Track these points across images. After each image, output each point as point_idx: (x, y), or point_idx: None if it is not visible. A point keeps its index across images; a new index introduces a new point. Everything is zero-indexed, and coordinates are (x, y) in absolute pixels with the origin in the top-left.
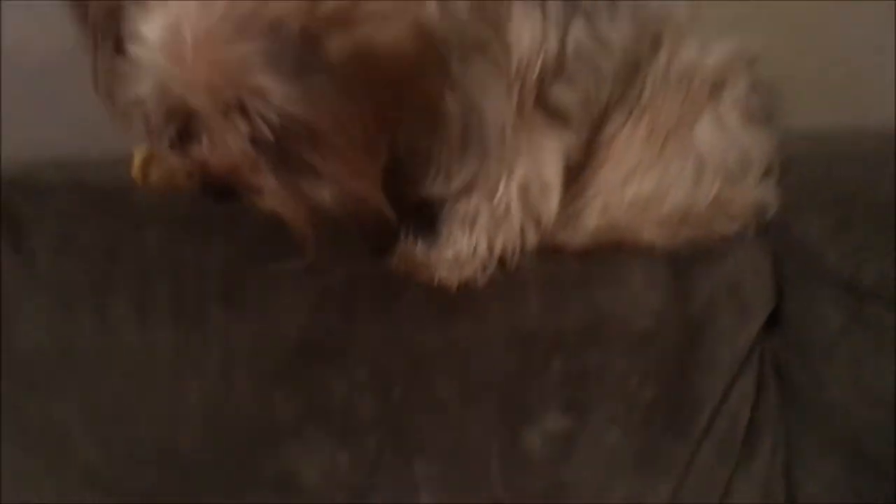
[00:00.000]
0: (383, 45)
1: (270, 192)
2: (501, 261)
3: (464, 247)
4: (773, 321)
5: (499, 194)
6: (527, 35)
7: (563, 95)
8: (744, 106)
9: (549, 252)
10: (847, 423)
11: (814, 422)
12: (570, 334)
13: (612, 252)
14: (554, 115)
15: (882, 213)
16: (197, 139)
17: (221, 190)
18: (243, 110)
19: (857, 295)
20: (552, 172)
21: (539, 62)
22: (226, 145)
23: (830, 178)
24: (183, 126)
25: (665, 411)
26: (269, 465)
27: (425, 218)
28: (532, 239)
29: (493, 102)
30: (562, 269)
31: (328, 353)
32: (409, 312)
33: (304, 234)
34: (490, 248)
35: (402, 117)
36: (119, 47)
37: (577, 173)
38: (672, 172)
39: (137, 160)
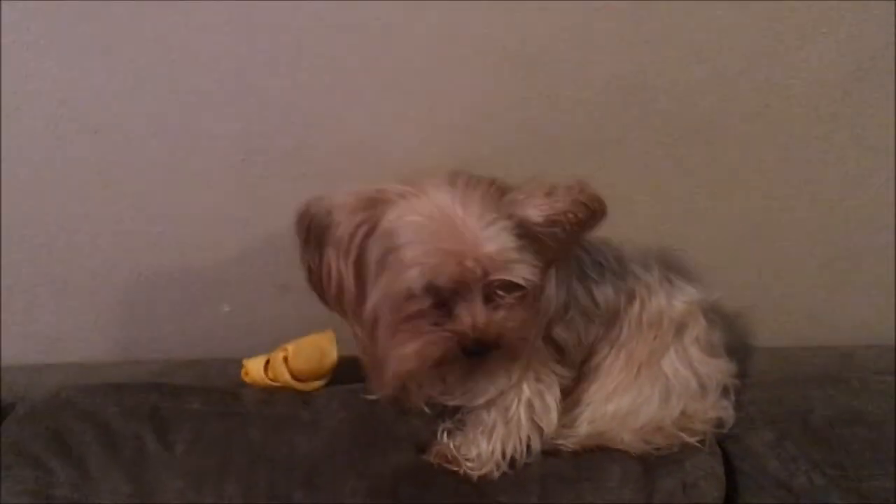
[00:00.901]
0: None
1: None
2: (512, 461)
3: (484, 450)
4: None
5: (511, 412)
6: (548, 288)
7: (563, 334)
8: (703, 342)
9: (549, 452)
10: None
11: None
12: None
13: (597, 453)
14: (555, 348)
15: (812, 430)
16: (452, 313)
17: (479, 349)
18: (488, 287)
19: (793, 495)
20: (552, 395)
21: (551, 311)
22: (481, 314)
23: (775, 399)
24: (443, 304)
25: None
26: None
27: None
28: (536, 446)
29: None
30: (557, 465)
31: None
32: (439, 496)
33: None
34: (503, 453)
35: None
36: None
37: (570, 393)
38: (645, 393)
39: (251, 367)
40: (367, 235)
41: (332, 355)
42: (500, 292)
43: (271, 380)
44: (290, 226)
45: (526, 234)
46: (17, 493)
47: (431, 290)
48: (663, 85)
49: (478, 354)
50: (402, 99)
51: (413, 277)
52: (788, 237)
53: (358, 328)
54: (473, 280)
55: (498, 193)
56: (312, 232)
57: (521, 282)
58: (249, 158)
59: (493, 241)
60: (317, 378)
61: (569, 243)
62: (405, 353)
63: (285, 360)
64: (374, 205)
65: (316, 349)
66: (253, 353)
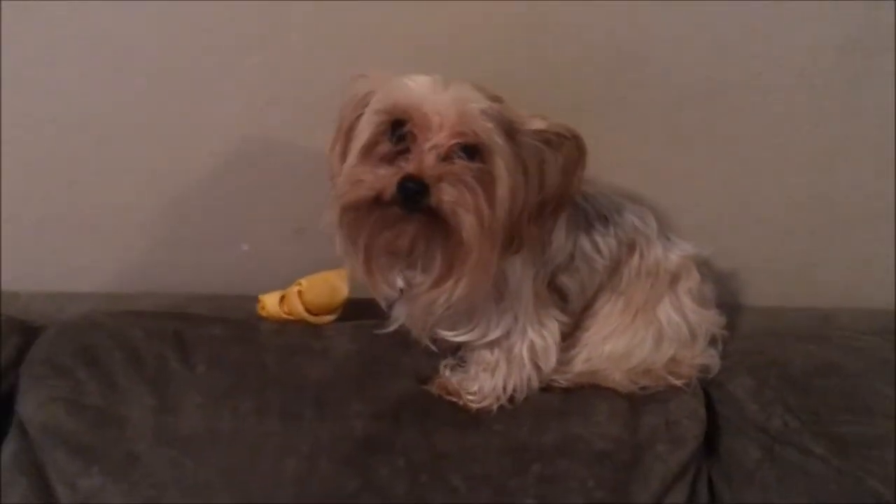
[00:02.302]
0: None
1: (448, 197)
2: (511, 397)
3: (486, 386)
4: (711, 451)
5: (514, 351)
6: (557, 240)
7: (567, 282)
8: (695, 293)
9: (542, 388)
10: None
11: None
12: (548, 448)
13: (587, 390)
14: (559, 295)
15: (790, 379)
16: (406, 156)
17: (416, 191)
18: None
19: (769, 437)
20: (553, 337)
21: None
22: (431, 161)
23: (756, 350)
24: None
25: None
26: None
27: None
28: (535, 383)
29: (527, 283)
30: (549, 399)
31: (380, 446)
32: (437, 423)
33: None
34: (504, 389)
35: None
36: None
37: (568, 336)
38: (639, 337)
39: (267, 301)
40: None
41: (343, 291)
42: (462, 154)
43: (286, 313)
44: (306, 172)
45: (509, 132)
46: (50, 400)
47: (391, 129)
48: (660, 51)
49: (413, 197)
50: (415, 59)
51: (373, 116)
52: (777, 203)
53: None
54: (433, 128)
55: (490, 97)
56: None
57: (485, 138)
58: (267, 105)
59: (465, 101)
60: (328, 312)
61: (548, 186)
62: (354, 183)
63: (299, 293)
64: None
65: (327, 285)
66: (268, 290)
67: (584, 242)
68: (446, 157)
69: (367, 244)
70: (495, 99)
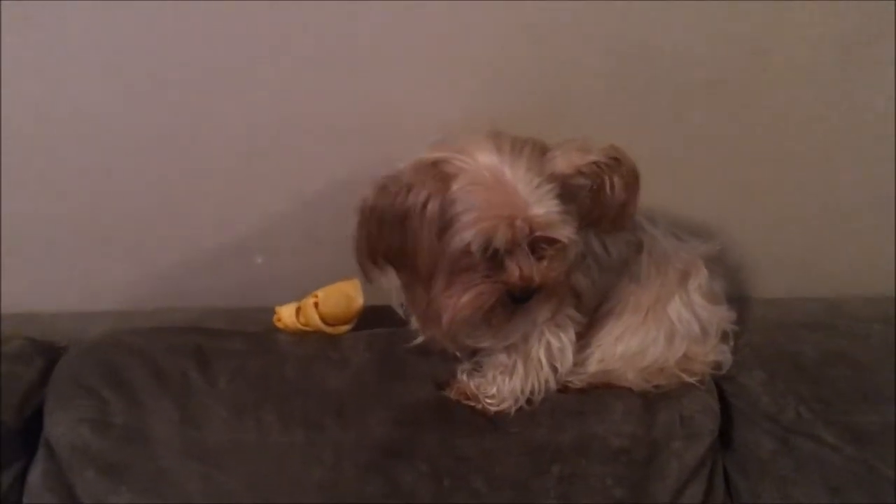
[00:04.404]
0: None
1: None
2: (528, 399)
3: (504, 389)
4: (726, 445)
5: (532, 354)
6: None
7: (580, 280)
8: (705, 289)
9: (557, 389)
10: None
11: None
12: (566, 448)
13: (602, 390)
14: (572, 294)
15: (801, 369)
16: (502, 265)
17: (525, 295)
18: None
19: (782, 428)
20: (568, 337)
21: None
22: (528, 266)
23: (766, 343)
24: (492, 257)
25: None
26: None
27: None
28: (552, 384)
29: None
30: (565, 400)
31: (403, 452)
32: (457, 427)
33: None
34: (522, 391)
35: None
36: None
37: (582, 337)
38: (651, 336)
39: (284, 313)
40: (441, 206)
41: (359, 301)
42: (544, 245)
43: (303, 325)
44: (319, 184)
45: (564, 189)
46: (77, 421)
47: (486, 248)
48: (667, 49)
49: (523, 300)
50: (422, 64)
51: (470, 238)
52: (784, 195)
53: (416, 285)
54: (522, 237)
55: (539, 154)
56: (387, 214)
57: (564, 239)
58: (283, 120)
59: (539, 203)
60: (344, 322)
61: (605, 204)
62: (461, 302)
63: (315, 305)
64: (443, 178)
65: (343, 295)
66: (283, 302)
67: (594, 241)
68: (532, 249)
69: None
70: (541, 149)
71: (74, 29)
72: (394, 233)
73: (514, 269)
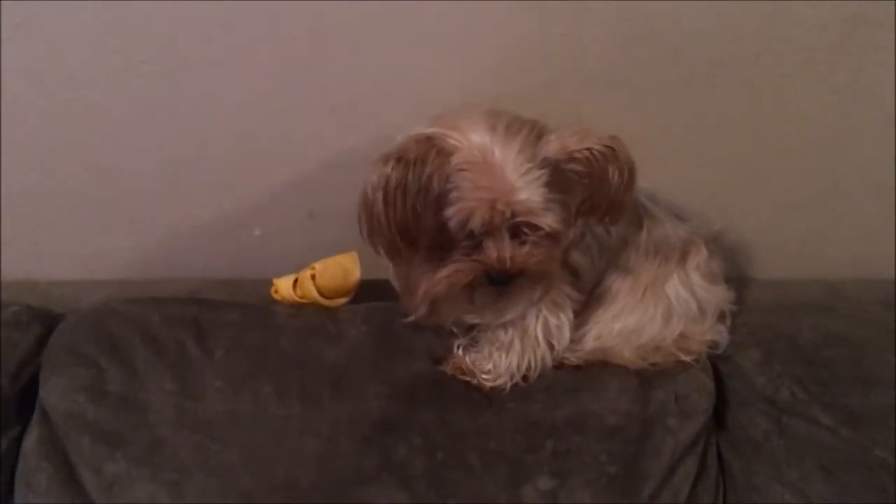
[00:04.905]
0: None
1: (530, 268)
2: (525, 375)
3: (500, 365)
4: (720, 424)
5: (529, 330)
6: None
7: (579, 259)
8: (704, 269)
9: (554, 365)
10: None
11: (745, 501)
12: (561, 424)
13: (597, 367)
14: (570, 272)
15: (798, 351)
16: (481, 246)
17: (502, 278)
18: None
19: (776, 409)
20: (566, 315)
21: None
22: (506, 249)
23: (764, 324)
24: (473, 236)
25: (623, 482)
26: (357, 498)
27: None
28: (549, 361)
29: None
30: (561, 377)
31: (397, 426)
32: (452, 402)
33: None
34: (518, 368)
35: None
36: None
37: (579, 315)
38: (649, 314)
39: (281, 285)
40: (440, 182)
41: (356, 274)
42: (526, 230)
43: (300, 297)
44: (318, 157)
45: (556, 176)
46: (73, 388)
47: (463, 228)
48: (669, 28)
49: (501, 283)
50: (425, 39)
51: (450, 217)
52: (784, 177)
53: (400, 257)
54: (503, 221)
55: (535, 137)
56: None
57: (545, 227)
58: (280, 93)
59: (525, 189)
60: (341, 295)
61: (598, 194)
62: (437, 277)
63: (313, 277)
64: (442, 154)
65: (340, 268)
66: (281, 274)
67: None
68: (515, 233)
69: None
70: (538, 132)
71: None
72: (406, 207)
73: (492, 252)
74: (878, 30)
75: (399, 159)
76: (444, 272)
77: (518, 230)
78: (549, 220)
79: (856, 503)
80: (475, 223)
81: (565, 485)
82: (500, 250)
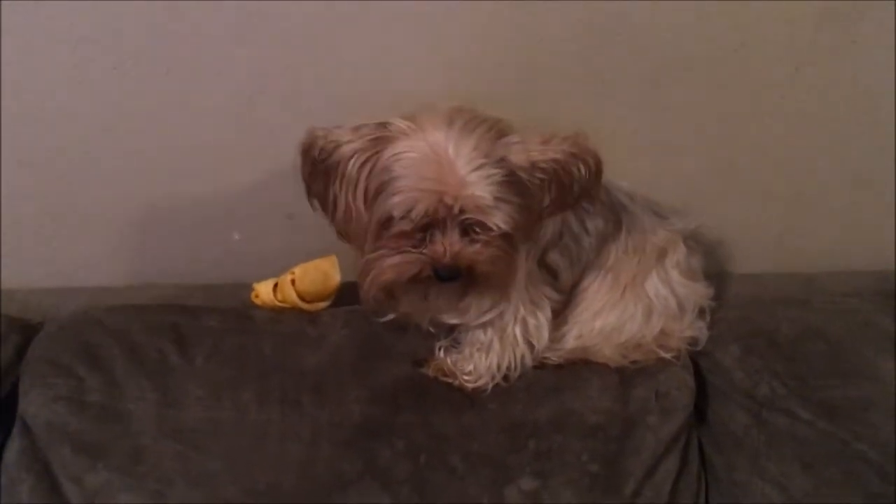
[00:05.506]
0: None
1: (480, 268)
2: (505, 375)
3: (481, 365)
4: (701, 420)
5: (507, 331)
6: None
7: (557, 259)
8: (683, 266)
9: (535, 365)
10: (751, 499)
11: (726, 496)
12: (543, 423)
13: (578, 366)
14: (549, 271)
15: (776, 345)
16: (431, 240)
17: (448, 274)
18: (466, 222)
19: (756, 403)
20: (544, 315)
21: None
22: (456, 244)
23: (742, 319)
24: (423, 230)
25: (605, 480)
26: (340, 502)
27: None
28: (529, 361)
29: (519, 262)
30: (542, 376)
31: (380, 430)
32: (434, 404)
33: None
34: (499, 367)
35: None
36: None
37: (559, 314)
38: (629, 312)
39: (261, 289)
40: (371, 169)
41: (336, 278)
42: (478, 230)
43: (280, 301)
44: (296, 159)
45: (513, 179)
46: (53, 399)
47: (411, 218)
48: (644, 26)
49: (448, 279)
50: (401, 38)
51: (395, 205)
52: (759, 173)
53: (355, 246)
54: (450, 216)
55: (495, 136)
56: (318, 165)
57: (493, 226)
58: (256, 96)
59: (474, 185)
60: (322, 299)
61: (566, 196)
62: (384, 265)
63: (293, 282)
64: (377, 142)
65: (320, 272)
66: (261, 279)
67: (571, 220)
68: (465, 231)
69: (395, 295)
70: (499, 131)
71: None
72: (318, 184)
73: (438, 245)
74: (849, 24)
75: (314, 137)
76: (390, 261)
77: (470, 229)
78: (497, 219)
79: (836, 496)
80: (418, 213)
81: (548, 485)
82: (446, 244)
